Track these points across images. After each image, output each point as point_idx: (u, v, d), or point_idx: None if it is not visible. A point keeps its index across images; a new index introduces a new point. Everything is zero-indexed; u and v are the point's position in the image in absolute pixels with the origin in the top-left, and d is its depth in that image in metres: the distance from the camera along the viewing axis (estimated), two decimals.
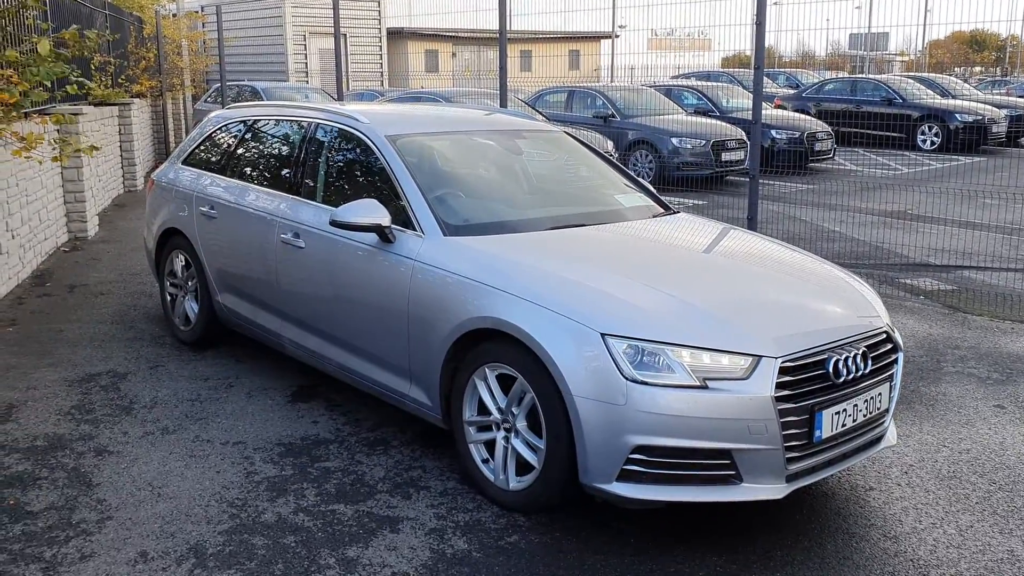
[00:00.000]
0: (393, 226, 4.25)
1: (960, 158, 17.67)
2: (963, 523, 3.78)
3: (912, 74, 25.82)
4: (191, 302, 5.84)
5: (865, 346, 3.71)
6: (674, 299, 3.66)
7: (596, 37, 29.59)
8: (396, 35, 24.20)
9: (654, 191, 5.24)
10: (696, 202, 12.48)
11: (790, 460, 3.46)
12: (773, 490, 3.47)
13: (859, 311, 3.92)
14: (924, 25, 38.04)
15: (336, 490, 3.94)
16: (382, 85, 23.68)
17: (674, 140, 13.72)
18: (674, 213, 5.05)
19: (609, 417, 3.39)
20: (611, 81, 23.56)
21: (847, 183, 14.29)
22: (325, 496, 3.88)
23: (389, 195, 4.40)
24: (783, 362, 3.43)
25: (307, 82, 23.00)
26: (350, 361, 4.53)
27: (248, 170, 5.47)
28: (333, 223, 4.25)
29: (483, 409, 3.87)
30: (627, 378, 3.36)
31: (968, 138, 18.55)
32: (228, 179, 5.53)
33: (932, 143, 18.91)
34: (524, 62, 27.71)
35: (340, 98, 12.84)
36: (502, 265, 3.90)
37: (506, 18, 8.72)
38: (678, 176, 13.28)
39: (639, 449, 3.38)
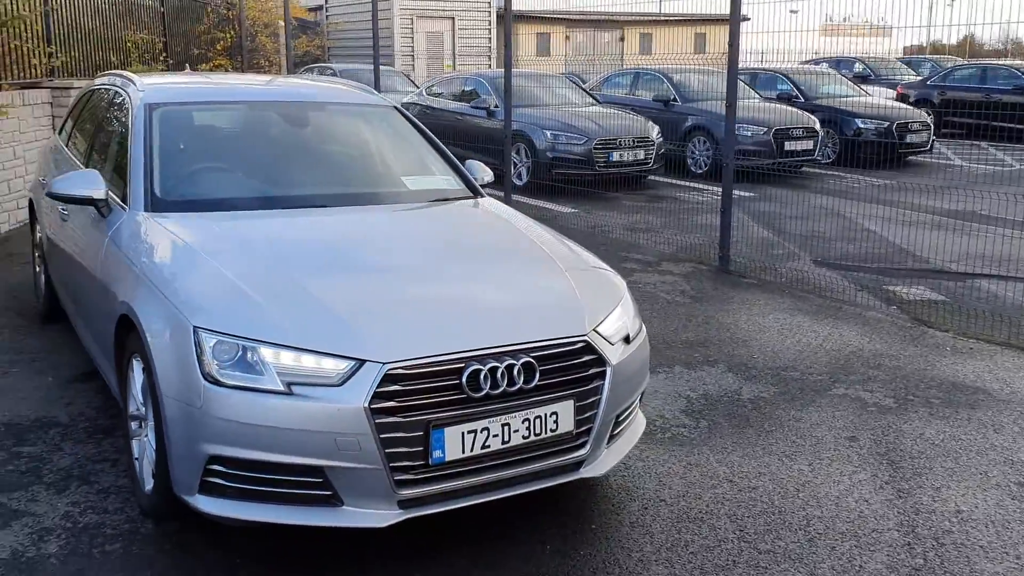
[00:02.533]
0: (115, 199, 3.99)
1: None
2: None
3: None
4: (42, 276, 5.79)
5: (533, 357, 3.13)
6: (305, 294, 3.18)
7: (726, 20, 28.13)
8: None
9: (471, 177, 4.70)
10: (742, 193, 11.56)
11: (401, 483, 2.95)
12: (381, 516, 2.97)
13: (552, 318, 3.34)
14: None
15: None
16: (490, 68, 23.47)
17: None
18: (475, 198, 4.53)
19: (188, 421, 2.99)
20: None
21: (936, 178, 12.88)
22: None
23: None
24: (391, 368, 2.92)
25: (412, 67, 23.10)
26: (89, 343, 4.32)
27: (71, 142, 5.34)
28: (48, 194, 4.03)
29: None
30: (206, 378, 2.94)
31: None
32: (61, 152, 5.43)
33: None
34: (644, 45, 26.84)
35: (377, 83, 12.70)
36: (165, 245, 3.56)
37: None
38: (737, 166, 11.79)
39: (216, 460, 2.96)
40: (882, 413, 4.62)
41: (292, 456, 2.90)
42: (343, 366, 2.92)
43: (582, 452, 3.30)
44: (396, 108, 4.97)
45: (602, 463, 3.41)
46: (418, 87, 15.69)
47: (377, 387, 2.89)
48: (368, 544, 3.26)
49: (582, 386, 3.24)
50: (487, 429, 3.04)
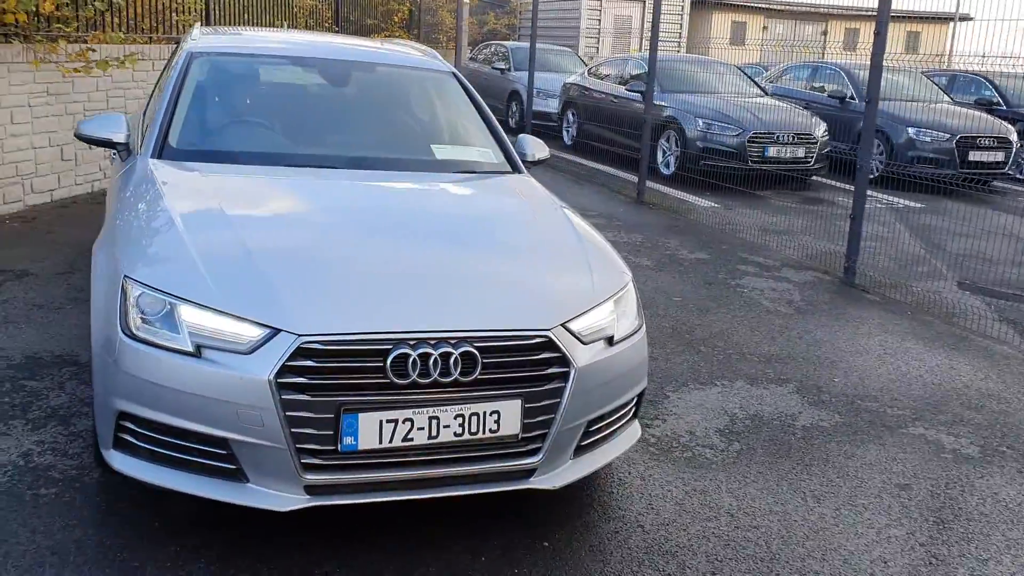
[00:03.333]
0: (136, 145, 3.97)
1: None
2: None
3: None
4: None
5: (476, 347, 2.80)
6: (247, 256, 2.95)
7: (943, 19, 26.04)
8: (701, 5, 23.07)
9: (513, 152, 4.36)
10: (907, 203, 10.59)
11: (308, 467, 2.71)
12: (285, 500, 2.74)
13: (511, 307, 2.99)
14: None
15: None
16: (678, 52, 22.76)
17: (910, 130, 11.67)
18: (510, 174, 4.20)
19: (104, 372, 2.86)
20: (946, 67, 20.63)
21: None
22: None
23: None
24: (306, 342, 2.67)
25: (597, 49, 22.74)
26: None
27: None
28: (76, 135, 4.04)
29: None
30: (123, 331, 2.80)
31: None
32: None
33: None
34: (849, 40, 25.24)
35: (532, 60, 12.45)
36: (143, 193, 3.45)
37: None
38: (908, 175, 10.65)
39: (125, 416, 2.81)
40: (957, 462, 3.95)
41: (197, 424, 2.71)
42: (256, 334, 2.70)
43: (533, 460, 2.94)
44: (453, 74, 4.70)
45: (560, 475, 3.03)
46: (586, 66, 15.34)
47: (287, 360, 2.65)
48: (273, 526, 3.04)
49: (535, 386, 2.88)
50: (411, 420, 2.74)
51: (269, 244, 3.07)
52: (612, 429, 3.24)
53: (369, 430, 2.70)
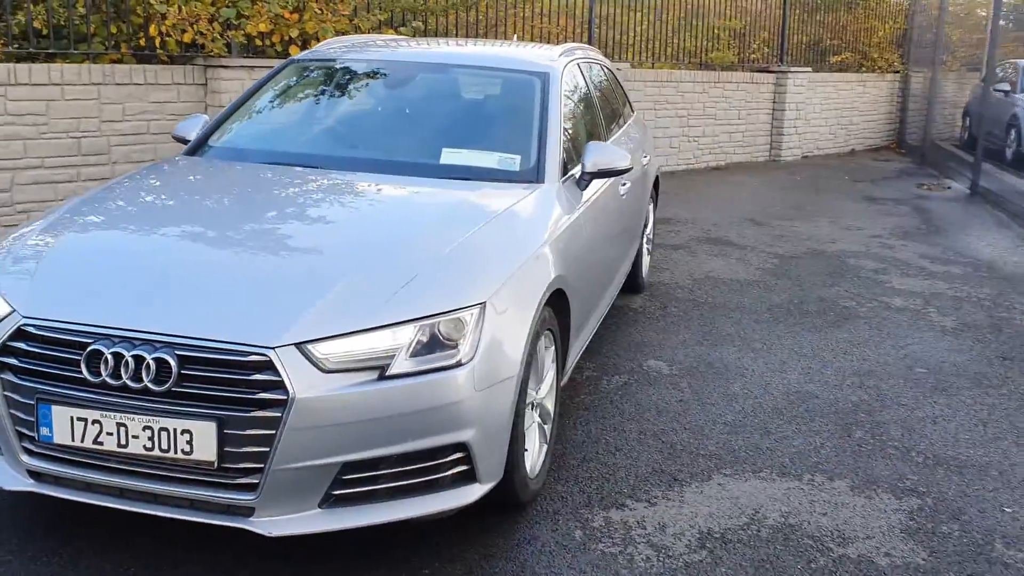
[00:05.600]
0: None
1: None
2: None
3: None
4: None
5: (178, 355, 2.50)
6: (60, 239, 3.09)
7: None
8: None
9: (552, 163, 3.72)
10: None
11: (26, 451, 2.68)
12: (13, 478, 2.72)
13: (241, 315, 2.61)
14: None
15: None
16: None
17: None
18: (518, 183, 3.60)
19: None
20: None
21: None
22: None
23: None
24: (26, 324, 2.65)
25: None
26: None
27: None
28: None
29: None
30: None
31: None
32: None
33: None
34: None
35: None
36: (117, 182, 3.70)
37: None
38: None
39: None
40: None
41: None
42: (3, 311, 2.74)
43: (248, 497, 2.53)
44: (542, 77, 4.12)
45: (294, 523, 2.56)
46: None
47: (7, 339, 2.66)
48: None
49: (235, 410, 2.48)
50: (99, 423, 2.55)
51: (92, 235, 3.18)
52: (399, 483, 2.64)
53: (62, 425, 2.58)
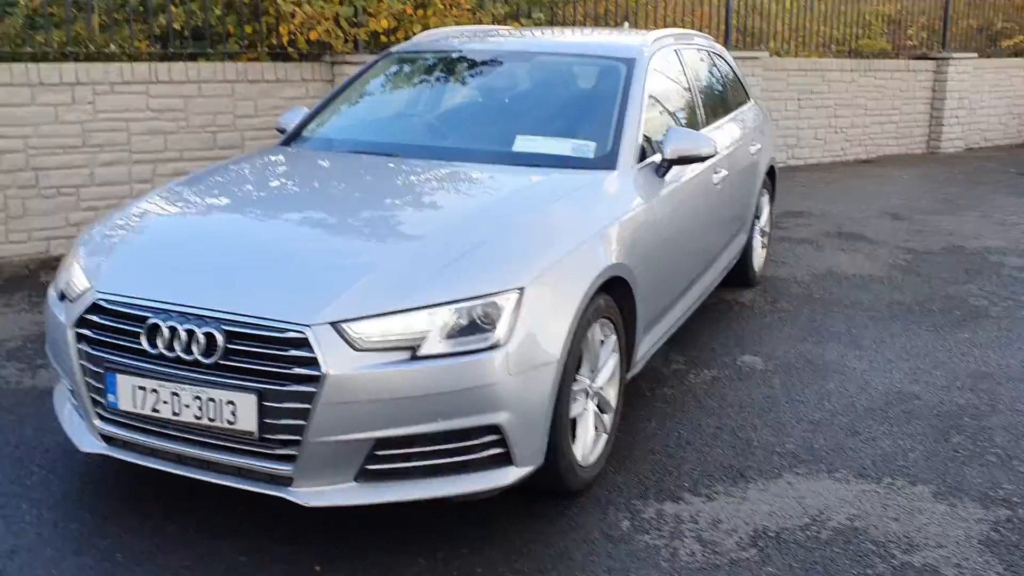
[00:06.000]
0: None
1: None
2: None
3: None
4: None
5: (224, 330, 2.64)
6: (149, 222, 3.32)
7: None
8: None
9: (629, 149, 3.68)
10: None
11: (99, 416, 2.89)
12: (89, 441, 2.95)
13: (284, 295, 2.72)
14: None
15: None
16: None
17: None
18: (584, 169, 3.57)
19: None
20: None
21: None
22: None
23: None
24: (100, 299, 2.87)
25: None
26: None
27: None
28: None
29: None
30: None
31: None
32: None
33: None
34: None
35: None
36: (217, 167, 3.92)
37: None
38: None
39: None
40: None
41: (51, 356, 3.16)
42: (85, 286, 2.97)
43: (286, 467, 2.64)
44: (627, 63, 4.07)
45: (329, 495, 2.66)
46: None
47: (84, 312, 2.88)
48: None
49: (273, 384, 2.59)
50: (156, 392, 2.72)
51: (169, 218, 3.39)
52: (433, 462, 2.69)
53: (126, 392, 2.77)
